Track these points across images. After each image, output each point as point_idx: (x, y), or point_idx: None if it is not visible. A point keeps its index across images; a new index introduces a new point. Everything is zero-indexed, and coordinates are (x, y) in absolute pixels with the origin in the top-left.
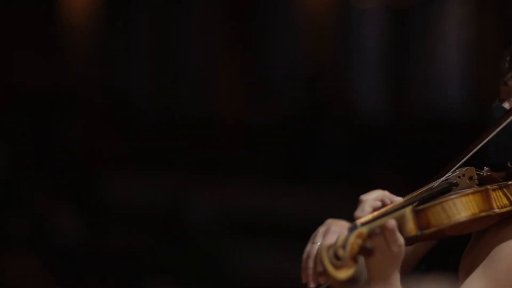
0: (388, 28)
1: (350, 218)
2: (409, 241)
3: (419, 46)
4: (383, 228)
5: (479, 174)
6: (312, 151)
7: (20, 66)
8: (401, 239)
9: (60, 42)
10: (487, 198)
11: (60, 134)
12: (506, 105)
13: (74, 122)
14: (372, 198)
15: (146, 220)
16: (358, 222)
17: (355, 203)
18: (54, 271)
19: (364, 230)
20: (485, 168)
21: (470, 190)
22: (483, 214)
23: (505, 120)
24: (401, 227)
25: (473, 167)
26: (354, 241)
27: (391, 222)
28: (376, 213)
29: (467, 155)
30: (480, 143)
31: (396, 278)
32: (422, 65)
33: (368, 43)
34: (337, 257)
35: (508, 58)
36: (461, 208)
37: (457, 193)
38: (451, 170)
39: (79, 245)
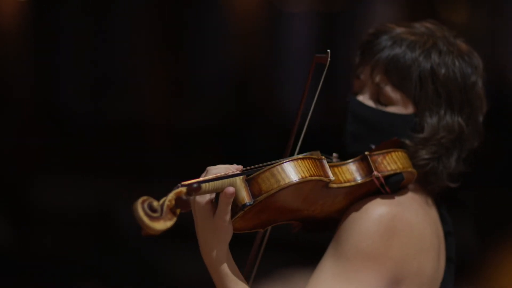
0: (318, 31)
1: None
2: (243, 210)
3: (348, 49)
4: (223, 193)
5: (329, 159)
6: (243, 156)
7: None
8: (227, 211)
9: None
10: (319, 165)
11: None
12: (361, 98)
13: (2, 123)
14: (217, 167)
15: (76, 223)
16: (182, 183)
17: None
18: None
19: (184, 189)
20: (334, 154)
21: (299, 156)
22: (315, 178)
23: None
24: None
25: (319, 151)
26: (172, 196)
27: (230, 188)
28: (207, 177)
29: (294, 137)
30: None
31: (222, 255)
32: (350, 67)
33: (298, 46)
34: (152, 209)
35: (359, 53)
36: (290, 172)
37: (286, 159)
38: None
39: (8, 250)
